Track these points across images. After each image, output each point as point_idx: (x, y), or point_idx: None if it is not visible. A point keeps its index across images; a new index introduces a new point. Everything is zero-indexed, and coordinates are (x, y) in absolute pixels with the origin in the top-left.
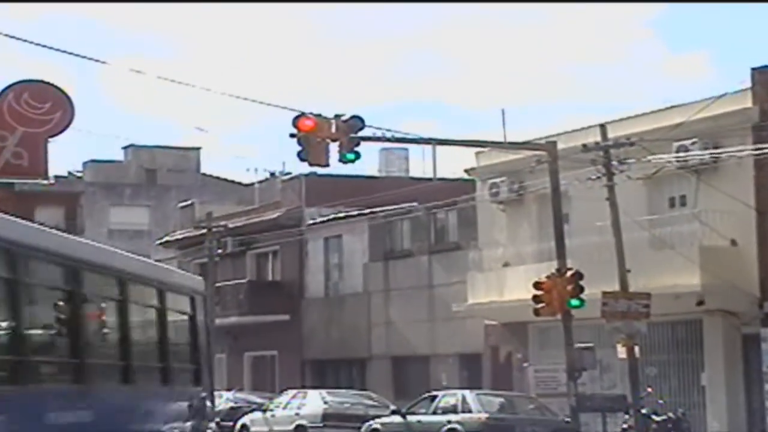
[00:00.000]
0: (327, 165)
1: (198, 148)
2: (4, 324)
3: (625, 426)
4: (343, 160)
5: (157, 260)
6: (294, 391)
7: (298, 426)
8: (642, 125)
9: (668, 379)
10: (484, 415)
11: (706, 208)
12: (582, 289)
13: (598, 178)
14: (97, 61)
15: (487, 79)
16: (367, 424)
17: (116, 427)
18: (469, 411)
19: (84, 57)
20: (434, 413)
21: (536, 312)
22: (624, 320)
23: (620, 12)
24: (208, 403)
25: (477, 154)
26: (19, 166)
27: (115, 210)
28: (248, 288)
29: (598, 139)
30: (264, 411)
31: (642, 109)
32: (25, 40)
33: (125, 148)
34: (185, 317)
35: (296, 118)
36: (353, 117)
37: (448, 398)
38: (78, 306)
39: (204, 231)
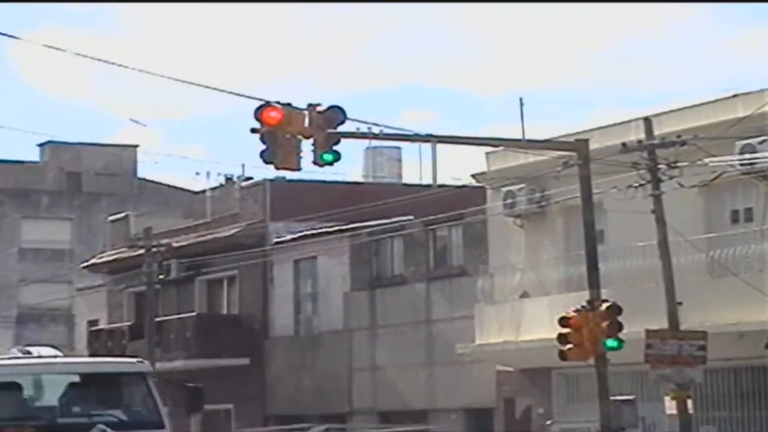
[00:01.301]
0: (298, 168)
1: (134, 146)
2: None
3: None
4: (318, 161)
5: (81, 288)
6: None
7: None
8: (697, 119)
9: None
10: None
11: None
12: (620, 327)
13: (641, 185)
14: (3, 35)
15: (501, 61)
16: None
17: None
18: None
19: None
20: None
21: (562, 355)
22: (674, 366)
23: None
24: None
25: (488, 155)
26: None
27: (28, 224)
28: (197, 324)
29: (641, 136)
30: None
31: (697, 98)
32: None
33: (41, 145)
34: None
35: (259, 108)
36: (332, 107)
37: None
38: None
39: (141, 251)
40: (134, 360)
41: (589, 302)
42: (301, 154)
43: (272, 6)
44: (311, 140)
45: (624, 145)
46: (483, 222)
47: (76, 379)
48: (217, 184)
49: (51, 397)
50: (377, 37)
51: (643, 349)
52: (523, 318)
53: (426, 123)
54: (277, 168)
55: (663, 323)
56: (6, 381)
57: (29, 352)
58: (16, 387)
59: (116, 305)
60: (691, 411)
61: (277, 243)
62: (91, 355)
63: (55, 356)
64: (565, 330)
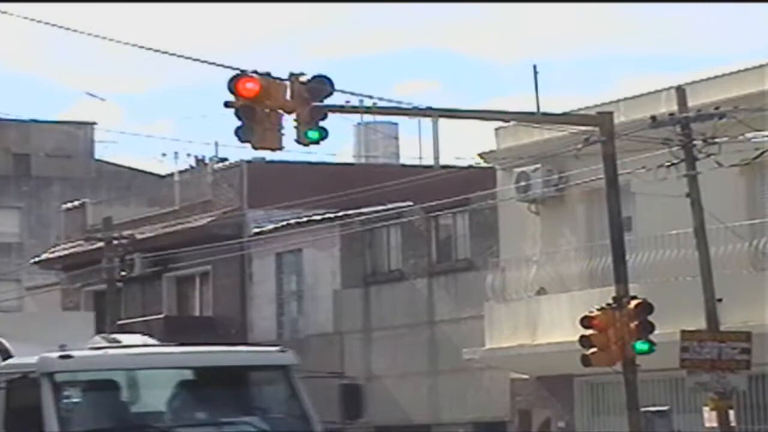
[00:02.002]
0: (279, 148)
1: (91, 124)
2: None
3: None
4: (302, 140)
5: (31, 287)
6: None
7: None
8: (737, 88)
9: None
10: None
11: None
12: (652, 328)
13: (674, 165)
14: None
15: (513, 22)
16: None
17: None
18: None
19: None
20: None
21: (586, 360)
22: (713, 372)
23: None
24: None
25: (498, 131)
26: None
27: None
28: (165, 327)
29: (674, 108)
30: None
31: (737, 65)
32: None
33: None
34: None
35: (234, 78)
36: (317, 77)
37: None
38: None
39: (100, 244)
40: (274, 349)
41: (615, 299)
42: (283, 132)
43: None
44: (294, 115)
45: (654, 118)
46: (492, 208)
47: (192, 375)
48: (186, 167)
49: (158, 399)
50: None
51: (678, 352)
52: (540, 318)
53: (426, 94)
54: (255, 148)
55: (700, 323)
56: (98, 379)
57: (117, 341)
58: (112, 387)
59: (72, 306)
60: (733, 423)
61: (257, 234)
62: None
63: (158, 345)
64: (589, 331)
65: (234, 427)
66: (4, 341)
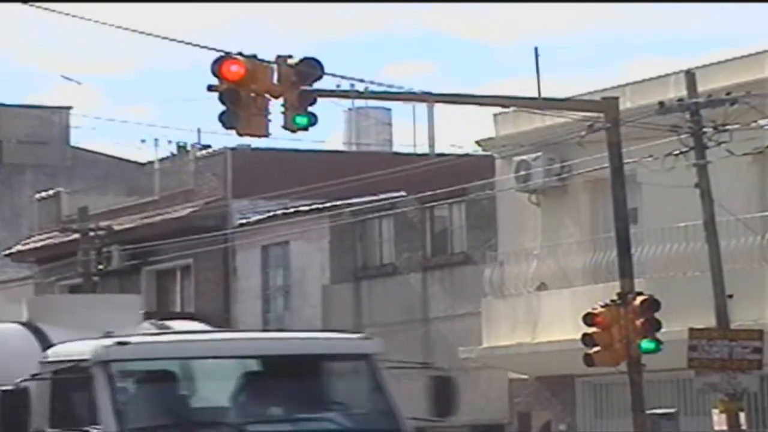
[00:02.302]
0: (266, 135)
1: (67, 108)
2: None
3: None
4: (290, 126)
5: (2, 281)
6: None
7: None
8: (750, 72)
9: None
10: None
11: None
12: (659, 326)
13: (683, 153)
14: None
15: (510, 1)
16: None
17: None
18: None
19: None
20: None
21: (588, 360)
22: (723, 372)
23: None
24: None
25: (496, 116)
26: None
27: None
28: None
29: (683, 93)
30: None
31: (749, 48)
32: None
33: None
34: None
35: (218, 61)
36: (306, 59)
37: None
38: None
39: (76, 236)
40: (355, 335)
41: (620, 295)
42: (269, 117)
43: None
44: (281, 100)
45: (662, 104)
46: (491, 199)
47: (264, 365)
48: (167, 155)
49: (225, 392)
50: None
51: (686, 351)
52: (540, 315)
53: (421, 78)
54: (240, 134)
55: (710, 320)
56: (160, 369)
57: (169, 327)
58: (175, 378)
59: None
60: (744, 427)
61: (241, 225)
62: None
63: (221, 331)
64: (592, 329)
65: (312, 423)
66: (43, 327)
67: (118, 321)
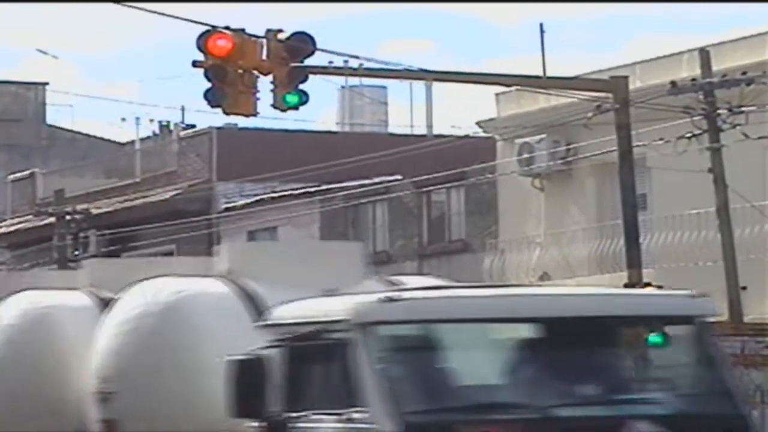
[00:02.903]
0: (254, 114)
1: (43, 84)
2: None
3: None
4: (280, 105)
5: None
6: None
7: None
8: (767, 51)
9: None
10: None
11: None
12: None
13: (695, 136)
14: None
15: None
16: None
17: None
18: None
19: None
20: None
21: None
22: (735, 368)
23: None
24: None
25: (498, 96)
26: None
27: None
28: None
29: (696, 72)
30: None
31: (766, 25)
32: None
33: None
34: None
35: (204, 35)
36: (297, 34)
37: None
38: None
39: (51, 220)
40: (681, 292)
41: (627, 286)
42: (258, 95)
43: None
44: (270, 77)
45: (673, 84)
46: (491, 183)
47: (567, 330)
48: (149, 134)
49: (510, 365)
50: None
51: None
52: None
53: (419, 55)
54: (227, 113)
55: (722, 313)
56: (433, 336)
57: (401, 283)
58: (454, 347)
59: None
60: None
61: (227, 209)
62: None
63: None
64: None
65: (635, 407)
66: (254, 284)
67: (339, 275)
